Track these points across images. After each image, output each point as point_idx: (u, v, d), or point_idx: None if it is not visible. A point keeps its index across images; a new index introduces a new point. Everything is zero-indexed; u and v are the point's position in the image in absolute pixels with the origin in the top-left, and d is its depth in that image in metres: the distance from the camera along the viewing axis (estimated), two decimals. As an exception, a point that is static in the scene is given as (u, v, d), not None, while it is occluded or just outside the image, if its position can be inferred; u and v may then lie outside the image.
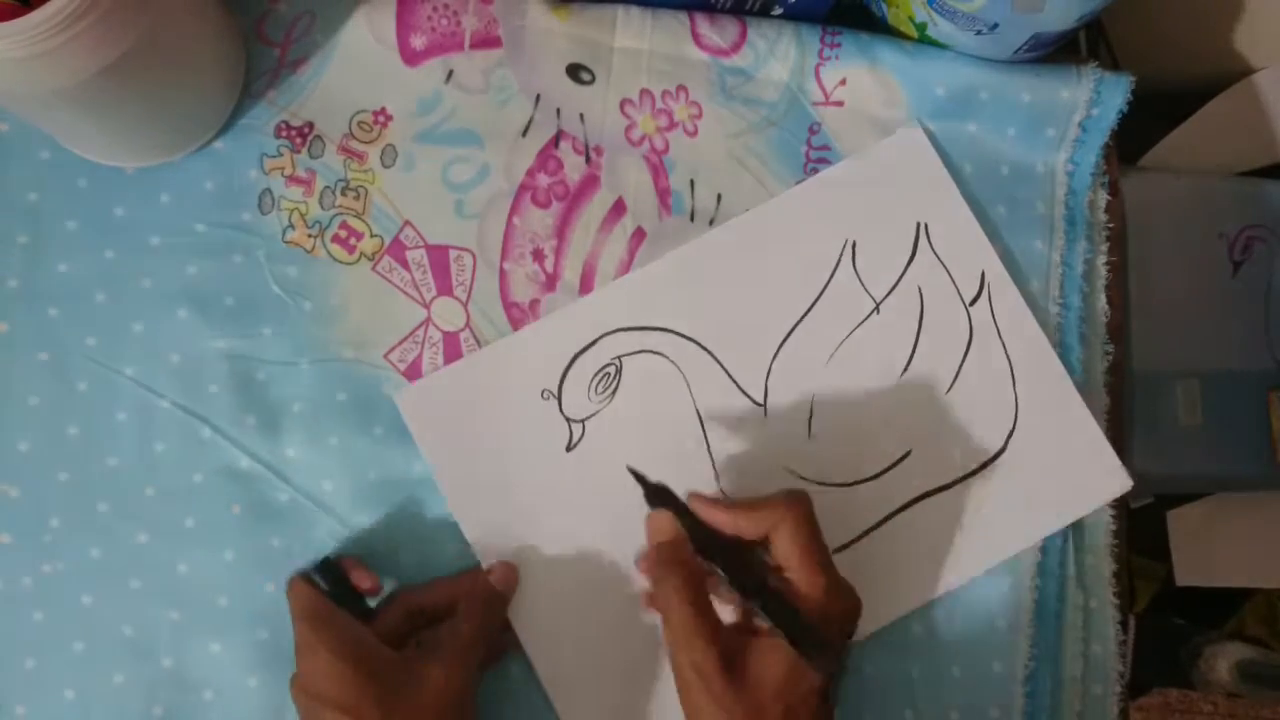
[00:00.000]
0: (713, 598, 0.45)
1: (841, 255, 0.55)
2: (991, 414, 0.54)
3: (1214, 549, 0.85)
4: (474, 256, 0.54)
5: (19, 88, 0.42)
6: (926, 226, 0.55)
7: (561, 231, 0.54)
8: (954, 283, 0.55)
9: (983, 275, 0.55)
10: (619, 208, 0.55)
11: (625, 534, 0.51)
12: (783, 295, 0.54)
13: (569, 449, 0.53)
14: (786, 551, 0.44)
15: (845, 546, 0.53)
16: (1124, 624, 0.55)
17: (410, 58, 0.55)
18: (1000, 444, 0.54)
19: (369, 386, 0.52)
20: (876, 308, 0.54)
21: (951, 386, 0.54)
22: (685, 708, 0.44)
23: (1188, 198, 0.71)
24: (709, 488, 0.52)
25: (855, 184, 0.55)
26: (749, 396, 0.53)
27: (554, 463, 0.52)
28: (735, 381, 0.53)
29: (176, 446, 0.52)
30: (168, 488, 0.51)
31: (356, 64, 0.54)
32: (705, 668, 0.43)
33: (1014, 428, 0.54)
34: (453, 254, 0.54)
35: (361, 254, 0.54)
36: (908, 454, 0.53)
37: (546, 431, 0.53)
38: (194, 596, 0.51)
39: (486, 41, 0.55)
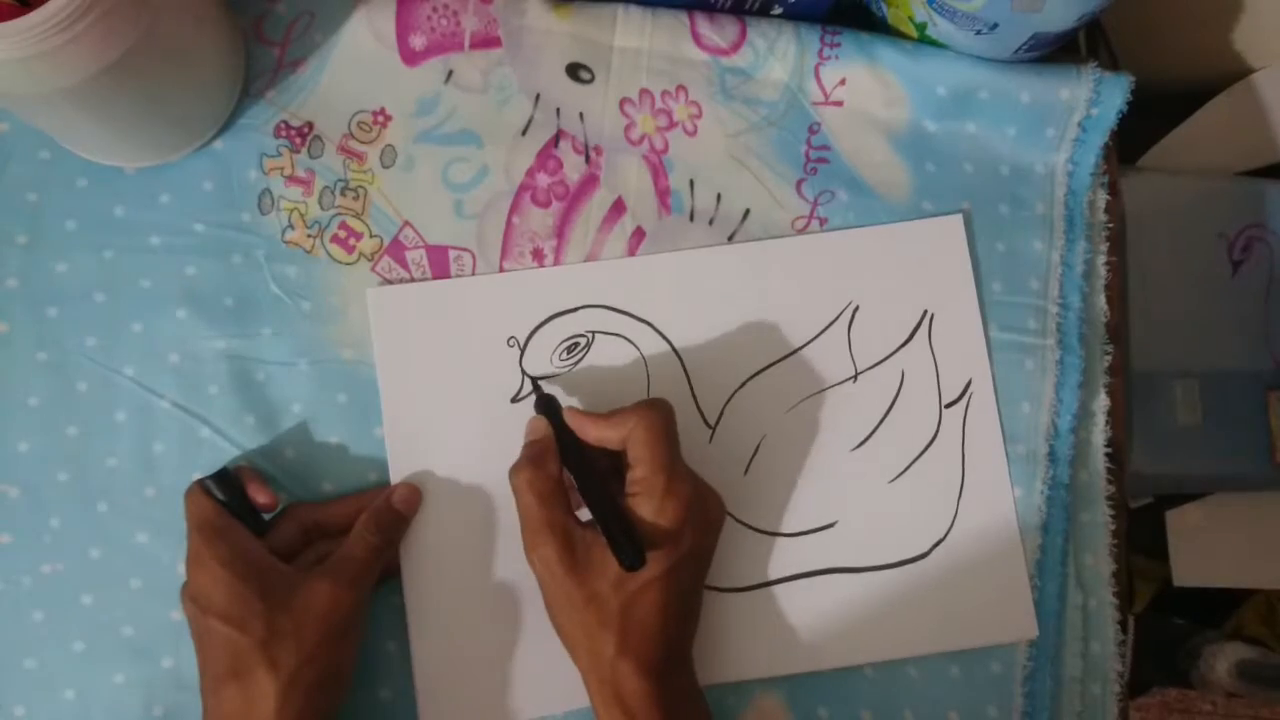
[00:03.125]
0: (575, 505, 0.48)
1: (840, 315, 0.54)
2: (927, 518, 0.54)
3: (1213, 549, 0.85)
4: (473, 256, 0.54)
5: (19, 88, 0.42)
6: (932, 317, 0.55)
7: (561, 231, 0.54)
8: (938, 380, 0.54)
9: (968, 383, 0.54)
10: (618, 207, 0.55)
11: None
12: (770, 331, 0.54)
13: (514, 400, 0.53)
14: (636, 453, 0.46)
15: (742, 589, 0.52)
16: (1124, 624, 0.55)
17: (410, 58, 0.55)
18: (925, 549, 0.53)
19: (368, 387, 0.52)
20: (855, 376, 0.54)
21: (898, 478, 0.54)
22: (545, 601, 0.47)
23: (1188, 198, 0.71)
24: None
25: (879, 251, 0.55)
26: (702, 415, 0.53)
27: (495, 408, 0.52)
28: (695, 396, 0.53)
29: (176, 446, 0.52)
30: (168, 488, 0.51)
31: (356, 64, 0.54)
32: (548, 557, 0.45)
33: (944, 538, 0.53)
34: (452, 254, 0.54)
35: (361, 254, 0.54)
36: (832, 524, 0.53)
37: (499, 377, 0.53)
38: (194, 596, 0.51)
39: (486, 41, 0.55)
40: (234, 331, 0.52)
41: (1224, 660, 0.93)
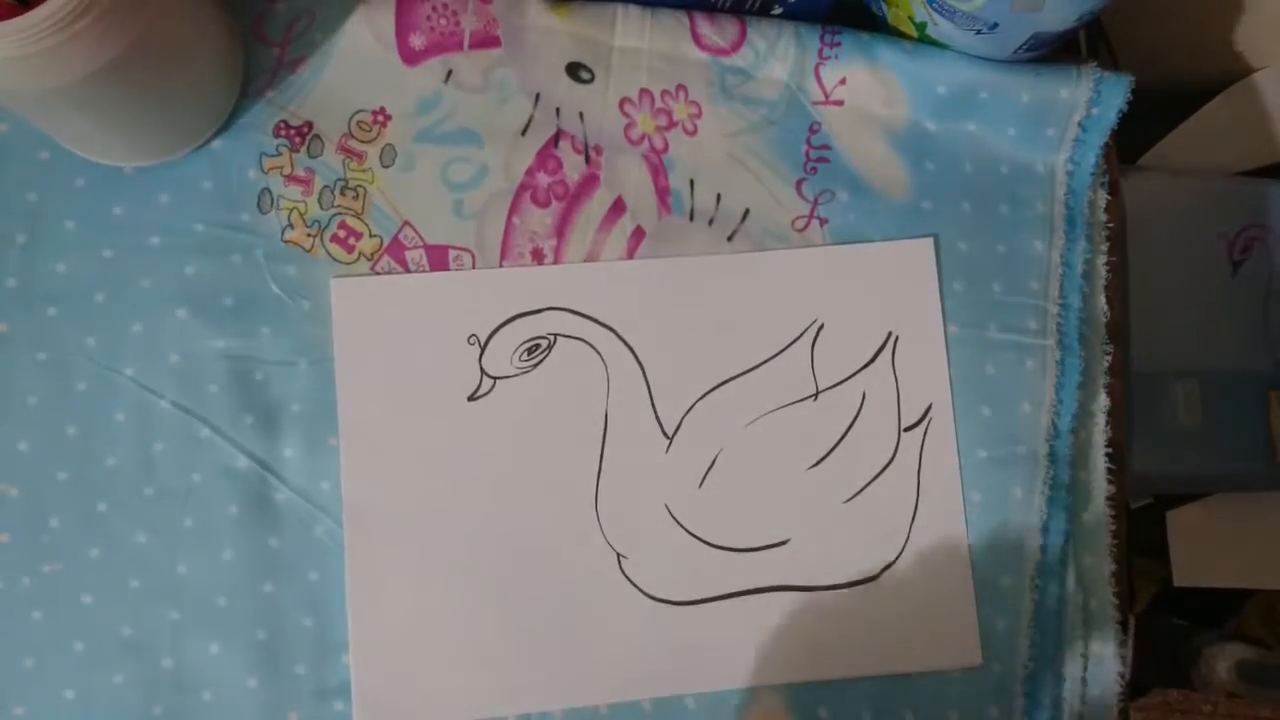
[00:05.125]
0: None
1: (805, 332, 0.54)
2: (879, 540, 0.54)
3: (1214, 549, 0.85)
4: (473, 256, 0.54)
5: (17, 87, 0.42)
6: (896, 340, 0.55)
7: (561, 231, 0.54)
8: (898, 403, 0.54)
9: (928, 408, 0.54)
10: (618, 207, 0.55)
11: (486, 495, 0.50)
12: (734, 344, 0.54)
13: (471, 398, 0.52)
14: None
15: (690, 603, 0.52)
16: (1124, 624, 0.55)
17: (409, 57, 0.55)
18: (875, 571, 0.53)
19: (368, 386, 0.52)
20: (815, 395, 0.54)
21: (853, 498, 0.54)
22: None
23: (1188, 198, 0.71)
24: (587, 492, 0.52)
25: (847, 271, 0.55)
26: (660, 424, 0.53)
27: (451, 406, 0.52)
28: (654, 405, 0.53)
29: (175, 446, 0.52)
30: (167, 488, 0.51)
31: (356, 63, 0.54)
32: None
33: (894, 561, 0.53)
34: (452, 254, 0.54)
35: (360, 254, 0.54)
36: (785, 542, 0.53)
37: (457, 374, 0.53)
38: (193, 596, 0.51)
39: (486, 41, 0.55)
40: (234, 331, 0.52)
41: (1224, 660, 0.93)
